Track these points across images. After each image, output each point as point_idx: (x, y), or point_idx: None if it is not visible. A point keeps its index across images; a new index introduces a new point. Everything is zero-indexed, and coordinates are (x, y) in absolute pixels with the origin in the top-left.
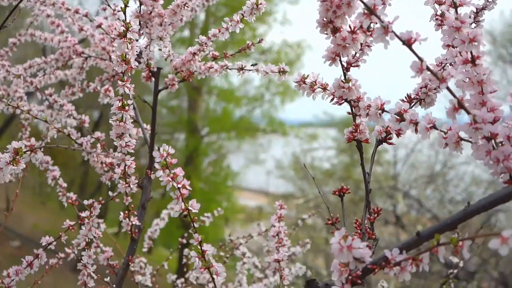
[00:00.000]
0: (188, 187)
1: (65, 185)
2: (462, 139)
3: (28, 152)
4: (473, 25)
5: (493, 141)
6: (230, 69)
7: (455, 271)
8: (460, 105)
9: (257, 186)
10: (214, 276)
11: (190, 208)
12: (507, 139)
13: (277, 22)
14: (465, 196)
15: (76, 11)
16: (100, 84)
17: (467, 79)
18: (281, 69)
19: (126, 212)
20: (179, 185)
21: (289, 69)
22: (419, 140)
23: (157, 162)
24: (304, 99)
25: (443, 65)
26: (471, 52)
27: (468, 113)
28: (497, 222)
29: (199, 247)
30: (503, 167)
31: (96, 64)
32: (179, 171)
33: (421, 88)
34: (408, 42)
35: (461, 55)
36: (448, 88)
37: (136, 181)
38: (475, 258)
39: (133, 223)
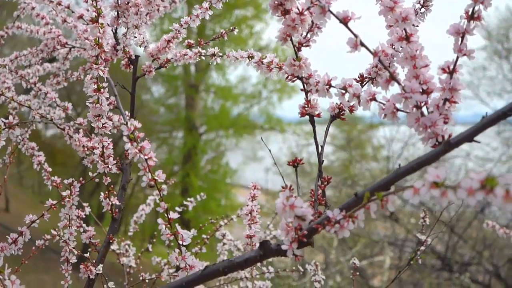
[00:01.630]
0: (155, 159)
1: (50, 169)
2: (398, 109)
3: (6, 129)
4: (422, 9)
5: (425, 109)
6: (203, 55)
7: (423, 248)
8: (392, 77)
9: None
10: (180, 242)
11: (156, 178)
12: (436, 108)
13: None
14: None
15: (59, 3)
16: (83, 73)
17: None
18: (250, 55)
19: (106, 192)
20: (146, 157)
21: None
22: (412, 134)
23: (125, 135)
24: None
25: (393, 46)
26: (405, 30)
27: (399, 84)
28: (490, 214)
29: (165, 215)
30: (430, 132)
31: (80, 54)
32: (146, 144)
33: (372, 67)
34: (344, 20)
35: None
36: (380, 62)
37: (114, 162)
38: (468, 250)
39: (113, 203)
